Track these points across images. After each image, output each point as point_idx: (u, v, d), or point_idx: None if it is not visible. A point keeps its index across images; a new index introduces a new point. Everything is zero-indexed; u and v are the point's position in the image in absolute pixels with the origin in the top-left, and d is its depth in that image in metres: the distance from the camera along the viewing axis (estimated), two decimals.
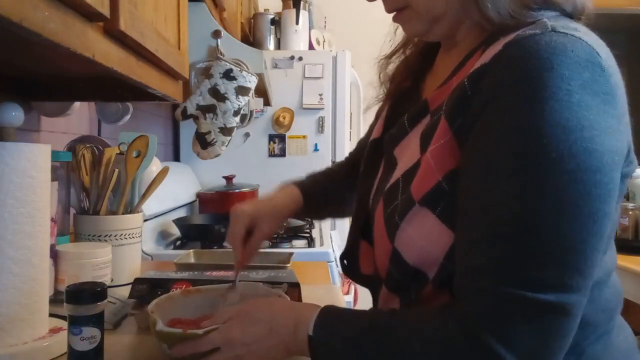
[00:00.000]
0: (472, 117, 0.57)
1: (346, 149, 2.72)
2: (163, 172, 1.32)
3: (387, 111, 0.82)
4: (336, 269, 1.71)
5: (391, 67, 0.83)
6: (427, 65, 0.78)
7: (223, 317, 0.70)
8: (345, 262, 0.82)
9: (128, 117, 1.52)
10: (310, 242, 1.85)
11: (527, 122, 0.53)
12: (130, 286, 0.97)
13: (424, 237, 0.61)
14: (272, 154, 2.68)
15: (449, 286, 0.61)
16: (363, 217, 0.79)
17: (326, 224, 2.56)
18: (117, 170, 1.20)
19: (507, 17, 0.59)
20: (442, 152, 0.60)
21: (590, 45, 0.55)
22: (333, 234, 2.38)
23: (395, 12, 0.70)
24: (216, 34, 1.68)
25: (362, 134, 3.01)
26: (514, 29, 0.58)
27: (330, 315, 0.65)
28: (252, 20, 2.82)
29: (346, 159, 1.05)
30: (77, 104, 1.29)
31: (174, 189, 2.04)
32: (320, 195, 0.98)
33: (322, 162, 2.67)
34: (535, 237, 0.52)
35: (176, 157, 2.68)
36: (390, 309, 0.66)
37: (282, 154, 2.68)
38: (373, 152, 0.81)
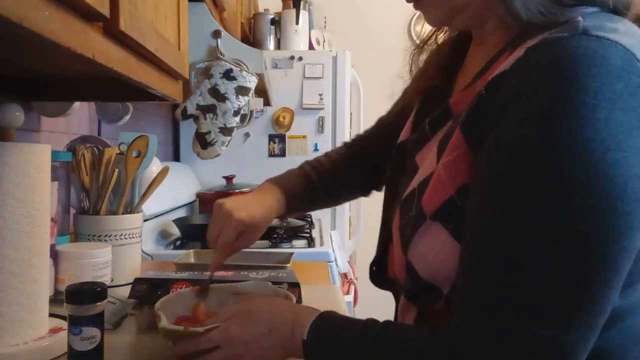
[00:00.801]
0: (485, 128, 0.53)
1: None
2: (163, 172, 1.32)
3: (417, 110, 0.76)
4: (336, 269, 1.71)
5: (423, 57, 0.78)
6: (459, 60, 0.72)
7: (224, 315, 0.70)
8: (374, 268, 0.78)
9: (128, 117, 1.52)
10: (310, 242, 1.85)
11: (542, 138, 0.47)
12: (130, 286, 0.97)
13: (435, 254, 0.57)
14: (272, 154, 2.68)
15: None
16: (390, 222, 0.76)
17: (326, 224, 2.56)
18: (117, 170, 1.20)
19: (536, 14, 0.52)
20: (456, 164, 0.56)
21: (628, 50, 0.47)
22: (333, 234, 2.38)
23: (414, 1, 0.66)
24: (216, 34, 1.68)
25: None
26: (543, 29, 0.52)
27: (325, 321, 0.64)
28: (252, 20, 2.82)
29: (355, 139, 1.01)
30: (77, 104, 1.29)
31: (174, 189, 2.04)
32: (307, 199, 0.93)
33: None
34: (537, 267, 0.48)
35: (176, 157, 2.68)
36: (386, 321, 0.63)
37: (282, 154, 2.68)
38: (399, 155, 0.76)
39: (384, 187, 0.81)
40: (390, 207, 0.76)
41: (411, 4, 0.67)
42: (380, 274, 0.77)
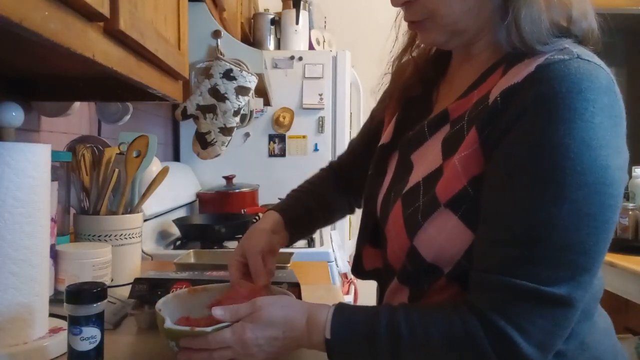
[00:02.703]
0: (502, 130, 0.62)
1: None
2: (163, 172, 1.32)
3: (398, 116, 0.84)
4: (336, 269, 1.71)
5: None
6: (438, 73, 0.82)
7: (233, 316, 0.70)
8: (354, 262, 0.86)
9: (128, 117, 1.52)
10: (310, 242, 1.85)
11: (558, 138, 0.58)
12: (130, 286, 0.97)
13: (444, 237, 0.66)
14: (272, 154, 2.68)
15: (460, 280, 0.66)
16: (372, 219, 0.82)
17: None
18: (117, 170, 1.20)
19: (542, 43, 0.63)
20: (469, 159, 0.65)
21: (608, 74, 0.61)
22: (333, 234, 2.38)
23: (412, 21, 0.72)
24: (216, 34, 1.68)
25: None
26: (535, 52, 0.63)
27: (344, 315, 0.67)
28: (252, 20, 2.82)
29: (333, 164, 1.06)
30: (77, 104, 1.29)
31: (174, 189, 2.04)
32: (306, 221, 0.98)
33: (322, 162, 2.64)
34: (554, 240, 0.58)
35: (176, 157, 2.68)
36: (403, 304, 0.68)
37: (282, 154, 2.68)
38: (382, 155, 0.85)
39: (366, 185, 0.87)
40: (374, 204, 0.82)
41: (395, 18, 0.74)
42: (358, 266, 0.85)
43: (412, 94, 0.83)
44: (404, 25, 0.79)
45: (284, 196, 1.01)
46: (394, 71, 0.86)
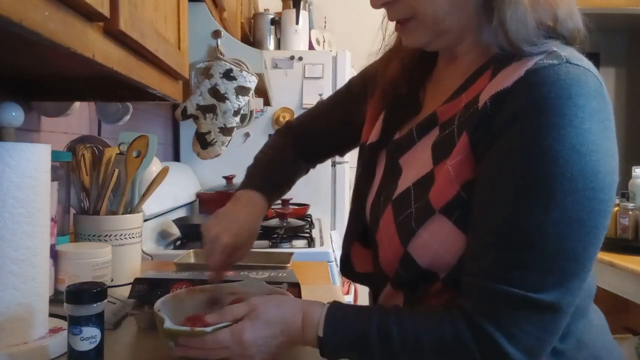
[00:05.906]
0: (493, 135, 0.62)
1: None
2: (163, 172, 1.32)
3: (385, 115, 0.83)
4: (336, 269, 1.71)
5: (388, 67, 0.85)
6: (425, 73, 0.81)
7: (231, 316, 0.70)
8: (342, 262, 0.85)
9: (128, 117, 1.52)
10: (310, 242, 1.85)
11: (547, 144, 0.58)
12: (130, 286, 0.97)
13: (439, 243, 0.65)
14: None
15: (457, 284, 0.65)
16: (361, 221, 0.82)
17: (326, 223, 2.56)
18: (117, 170, 1.20)
19: (530, 44, 0.63)
20: (462, 165, 0.64)
21: (597, 77, 0.62)
22: (333, 234, 2.38)
23: (398, 21, 0.71)
24: (216, 34, 1.68)
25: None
26: (523, 53, 0.63)
27: (337, 314, 0.68)
28: (252, 20, 2.82)
29: (293, 128, 1.08)
30: (77, 104, 1.29)
31: (174, 189, 2.04)
32: (280, 192, 1.04)
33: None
34: (543, 246, 0.58)
35: (176, 157, 2.68)
36: (395, 307, 0.69)
37: None
38: (371, 155, 0.83)
39: (353, 186, 0.88)
40: (363, 205, 0.82)
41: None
42: (348, 267, 0.84)
43: (398, 92, 0.82)
44: (391, 27, 0.77)
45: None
46: (379, 60, 0.87)
